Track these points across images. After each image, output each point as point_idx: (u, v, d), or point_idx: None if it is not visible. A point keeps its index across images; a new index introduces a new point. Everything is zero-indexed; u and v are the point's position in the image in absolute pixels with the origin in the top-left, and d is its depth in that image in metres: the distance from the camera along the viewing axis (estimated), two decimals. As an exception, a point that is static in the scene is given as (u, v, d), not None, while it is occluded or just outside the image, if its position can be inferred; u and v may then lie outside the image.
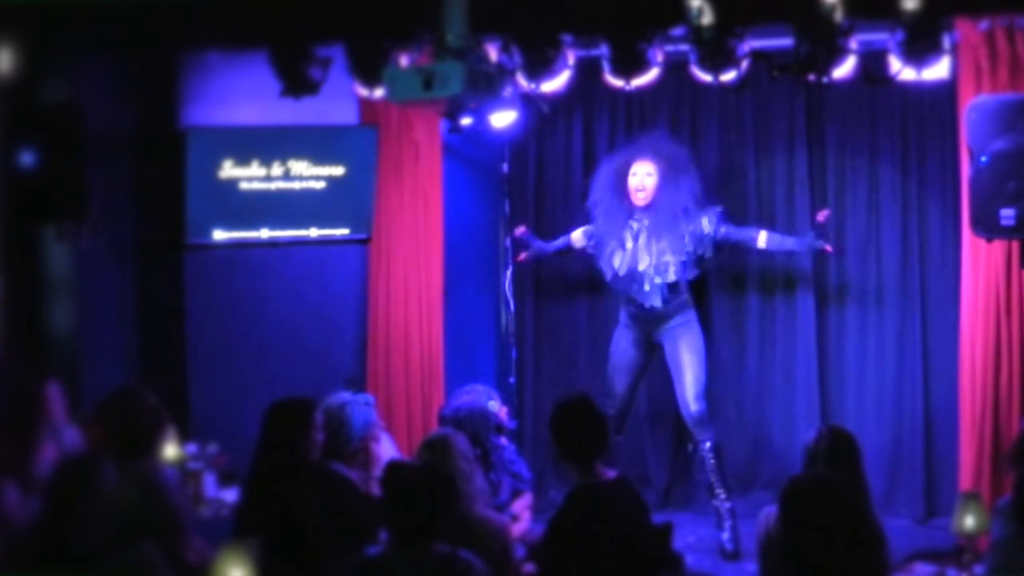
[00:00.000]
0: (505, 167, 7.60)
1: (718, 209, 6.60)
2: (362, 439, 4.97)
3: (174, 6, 5.31)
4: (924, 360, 7.09)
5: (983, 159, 5.70)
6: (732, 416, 7.33)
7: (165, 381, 6.30)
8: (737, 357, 7.40)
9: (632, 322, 6.71)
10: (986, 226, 5.74)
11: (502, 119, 5.90)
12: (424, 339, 6.98)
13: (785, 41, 5.30)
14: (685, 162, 6.67)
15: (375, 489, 4.62)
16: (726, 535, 6.52)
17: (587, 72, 6.23)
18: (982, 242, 6.00)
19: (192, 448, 5.77)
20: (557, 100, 6.38)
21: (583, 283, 7.33)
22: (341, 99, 6.45)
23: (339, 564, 3.86)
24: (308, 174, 6.69)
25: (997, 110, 5.77)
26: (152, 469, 4.36)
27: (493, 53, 5.55)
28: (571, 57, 5.89)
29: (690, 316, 6.65)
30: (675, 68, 5.89)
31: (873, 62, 5.59)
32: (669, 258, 6.51)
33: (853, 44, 5.24)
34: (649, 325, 6.65)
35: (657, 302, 6.53)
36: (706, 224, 6.52)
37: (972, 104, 5.90)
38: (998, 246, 6.08)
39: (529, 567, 4.80)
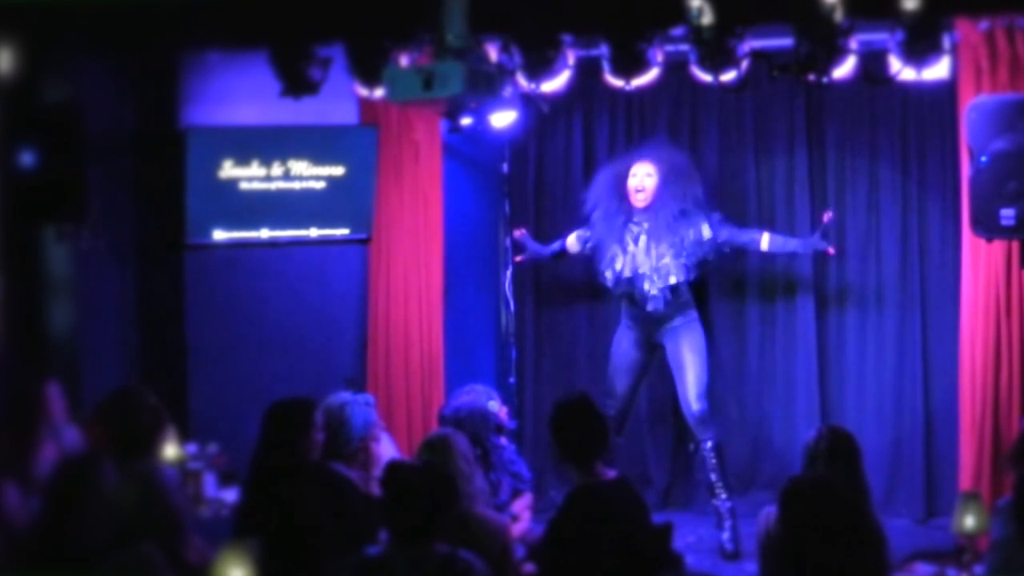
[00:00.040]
0: (505, 167, 7.60)
1: (717, 216, 6.59)
2: (362, 439, 4.97)
3: (174, 6, 5.31)
4: (924, 360, 7.09)
5: (983, 159, 5.70)
6: (732, 416, 7.32)
7: (165, 381, 6.30)
8: (737, 357, 7.40)
9: (633, 323, 6.70)
10: (986, 226, 5.74)
11: (502, 119, 5.90)
12: (424, 339, 6.98)
13: (785, 41, 5.30)
14: (686, 166, 6.67)
15: (375, 489, 4.62)
16: (726, 535, 6.52)
17: (587, 72, 6.23)
18: (982, 242, 6.00)
19: (192, 448, 5.76)
20: (557, 100, 6.38)
21: (583, 283, 7.33)
22: (341, 99, 6.45)
23: (339, 564, 3.86)
24: (308, 174, 6.69)
25: (997, 110, 5.77)
26: (152, 469, 4.35)
27: (493, 53, 5.55)
28: (571, 57, 5.89)
29: (692, 316, 6.65)
30: (675, 68, 5.89)
31: (873, 62, 5.59)
32: (669, 260, 6.50)
33: (853, 44, 5.24)
34: (651, 326, 6.65)
35: (658, 305, 6.53)
36: (706, 229, 6.51)
37: (972, 104, 5.89)
38: (998, 246, 6.08)
39: (529, 567, 4.80)
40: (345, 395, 5.09)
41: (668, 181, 6.54)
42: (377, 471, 4.67)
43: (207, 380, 6.83)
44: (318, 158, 6.68)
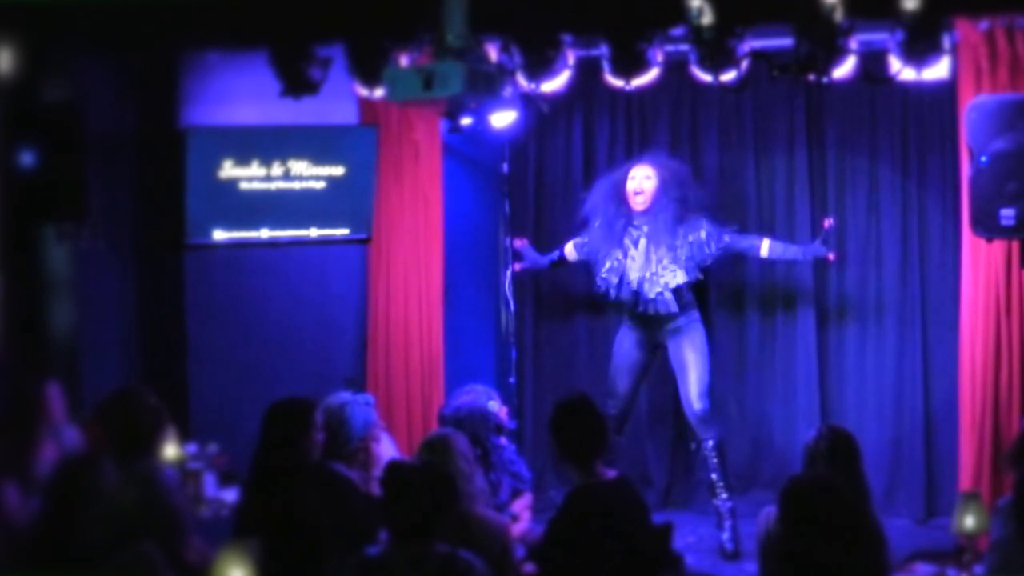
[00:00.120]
0: (505, 167, 7.60)
1: (716, 225, 6.58)
2: (362, 439, 4.97)
3: (174, 6, 5.31)
4: (924, 360, 7.09)
5: (983, 159, 5.70)
6: (733, 415, 7.32)
7: (165, 381, 6.31)
8: (738, 356, 7.40)
9: (635, 325, 6.69)
10: (986, 226, 5.74)
11: (502, 119, 5.90)
12: (424, 339, 6.98)
13: (785, 41, 5.30)
14: (684, 172, 6.67)
15: (375, 489, 4.62)
16: (726, 535, 6.52)
17: (587, 72, 6.22)
18: (982, 242, 6.00)
19: (192, 448, 5.77)
20: (557, 100, 6.38)
21: (583, 283, 7.32)
22: (341, 99, 6.44)
23: (339, 564, 3.86)
24: (308, 174, 6.69)
25: (997, 110, 5.77)
26: (152, 469, 4.37)
27: (493, 53, 5.55)
28: (571, 57, 5.88)
29: (693, 316, 6.64)
30: (675, 68, 5.89)
31: (873, 62, 5.58)
32: (669, 264, 6.49)
33: (853, 44, 5.24)
34: (652, 328, 6.65)
35: (660, 307, 6.52)
36: (704, 232, 6.50)
37: (972, 104, 5.89)
38: (998, 246, 6.08)
39: (529, 567, 4.80)
40: (345, 395, 5.09)
41: (667, 184, 6.53)
42: (377, 471, 4.67)
43: (207, 380, 6.83)
44: (318, 158, 6.68)
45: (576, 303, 7.53)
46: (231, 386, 6.74)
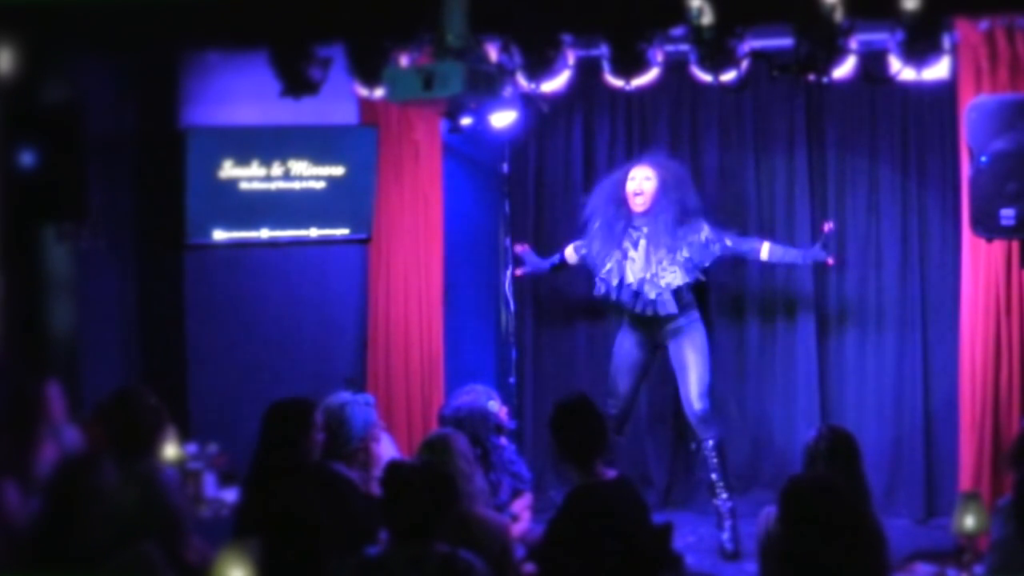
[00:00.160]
0: (505, 167, 7.60)
1: (716, 228, 6.58)
2: (362, 439, 4.97)
3: (174, 6, 5.30)
4: (924, 360, 7.09)
5: (983, 159, 5.70)
6: (733, 415, 7.32)
7: (165, 381, 6.31)
8: (738, 357, 7.40)
9: (636, 325, 6.69)
10: (986, 226, 5.74)
11: (502, 119, 5.90)
12: (424, 339, 6.98)
13: (785, 41, 5.30)
14: (683, 174, 6.67)
15: (375, 489, 4.62)
16: (726, 535, 6.52)
17: (587, 72, 6.22)
18: (982, 242, 6.00)
19: (192, 448, 5.77)
20: (557, 100, 6.37)
21: (583, 284, 7.32)
22: (341, 99, 6.44)
23: (339, 564, 3.86)
24: (308, 174, 6.69)
25: (997, 110, 5.77)
26: (152, 469, 4.36)
27: (493, 53, 5.55)
28: (571, 57, 5.88)
29: (694, 317, 6.64)
30: (675, 68, 5.89)
31: (873, 62, 5.58)
32: (669, 265, 6.48)
33: (853, 44, 5.23)
34: (653, 328, 6.64)
35: (660, 308, 6.51)
36: (704, 234, 6.50)
37: (972, 104, 5.89)
38: (998, 246, 6.08)
39: (529, 567, 4.80)
40: (345, 395, 5.09)
41: (667, 185, 6.53)
42: (377, 471, 4.67)
43: (207, 380, 6.83)
44: (318, 158, 6.69)
45: (576, 303, 7.53)
46: (231, 386, 6.74)
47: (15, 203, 5.50)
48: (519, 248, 7.02)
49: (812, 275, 7.18)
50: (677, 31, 5.51)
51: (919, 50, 5.27)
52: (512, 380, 7.58)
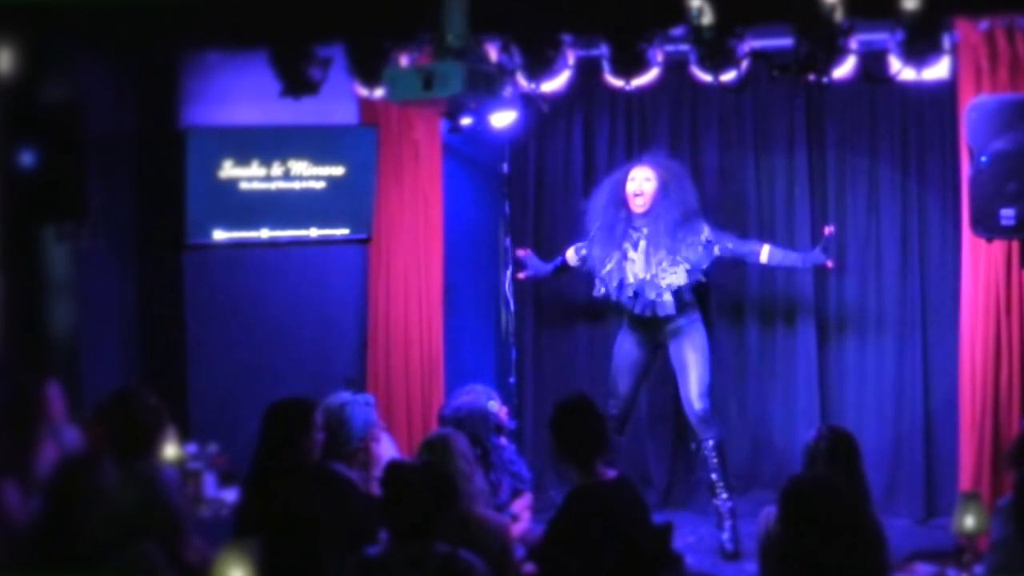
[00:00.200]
0: (505, 167, 7.60)
1: (716, 229, 6.57)
2: (362, 439, 4.97)
3: (174, 6, 5.30)
4: (924, 360, 7.08)
5: (983, 159, 5.70)
6: (733, 416, 7.32)
7: (165, 381, 6.31)
8: (738, 356, 7.40)
9: (636, 326, 6.69)
10: (986, 226, 5.74)
11: (502, 119, 5.89)
12: (424, 339, 6.98)
13: (785, 41, 5.30)
14: (684, 175, 6.66)
15: (375, 489, 4.62)
16: (726, 535, 6.52)
17: (587, 72, 6.22)
18: (982, 242, 6.00)
19: (192, 448, 5.77)
20: (557, 100, 6.37)
21: (584, 284, 7.32)
22: (341, 99, 6.44)
23: (339, 564, 3.86)
24: (308, 174, 6.69)
25: (997, 110, 5.77)
26: (152, 469, 4.36)
27: (493, 53, 5.55)
28: (571, 57, 5.88)
29: (694, 317, 6.63)
30: (675, 68, 5.89)
31: (873, 62, 5.58)
32: (669, 266, 6.48)
33: (853, 44, 5.23)
34: (653, 329, 6.64)
35: (660, 310, 6.50)
36: (705, 236, 6.49)
37: (972, 104, 5.89)
38: (998, 246, 6.08)
39: (529, 567, 4.80)
40: (345, 395, 5.09)
41: (667, 186, 6.52)
42: (377, 471, 4.67)
43: (207, 380, 6.83)
44: (318, 158, 6.69)
45: (576, 304, 7.53)
46: (231, 386, 6.74)
47: (15, 203, 5.50)
48: (521, 253, 7.01)
49: (812, 275, 7.17)
50: (677, 31, 5.51)
51: (919, 50, 5.27)
52: (512, 380, 7.58)
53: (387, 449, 5.27)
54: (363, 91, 6.09)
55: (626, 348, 6.74)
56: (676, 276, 6.47)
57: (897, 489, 7.09)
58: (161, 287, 6.82)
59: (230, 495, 5.58)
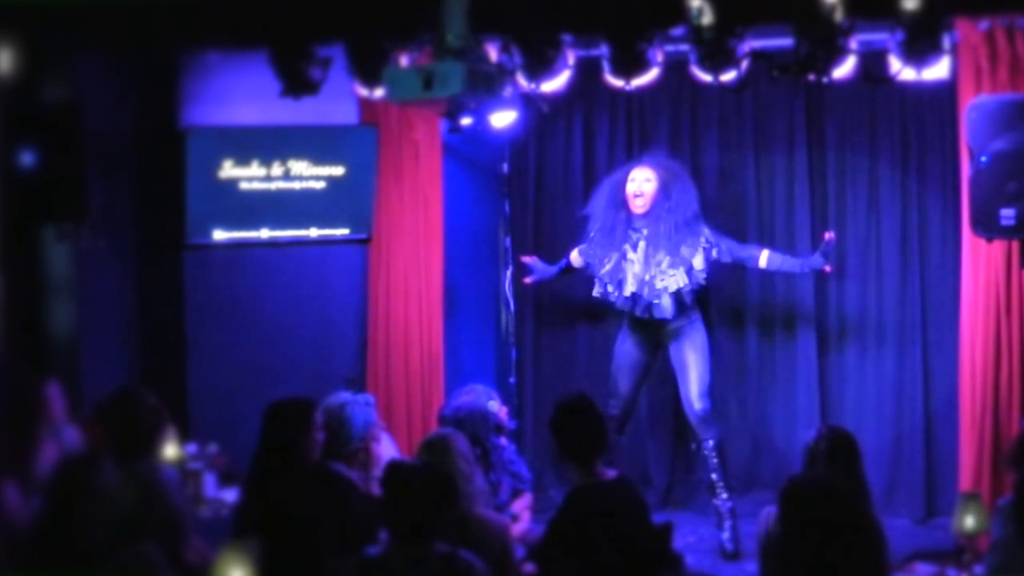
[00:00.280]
0: (505, 167, 7.60)
1: (716, 232, 6.57)
2: (362, 439, 4.97)
3: (174, 6, 5.30)
4: (924, 360, 7.08)
5: (983, 159, 5.70)
6: (733, 416, 7.32)
7: (165, 381, 6.31)
8: (738, 356, 7.40)
9: (636, 327, 6.68)
10: (986, 226, 5.74)
11: (502, 119, 5.89)
12: (424, 339, 6.98)
13: (785, 41, 5.29)
14: (684, 175, 6.66)
15: (375, 489, 4.62)
16: (726, 535, 6.52)
17: (587, 72, 6.22)
18: (982, 242, 6.00)
19: (192, 448, 5.77)
20: (557, 100, 6.37)
21: (584, 284, 7.33)
22: (341, 99, 6.44)
23: (339, 564, 3.86)
24: (308, 174, 6.69)
25: (997, 110, 5.77)
26: (152, 469, 4.36)
27: (493, 53, 5.55)
28: (571, 57, 5.88)
29: (694, 318, 6.62)
30: (675, 68, 5.89)
31: (873, 62, 5.58)
32: (668, 268, 6.47)
33: (853, 44, 5.23)
34: (654, 330, 6.63)
35: (660, 312, 6.50)
36: (704, 239, 6.49)
37: (972, 104, 5.89)
38: (998, 246, 6.08)
39: (529, 567, 4.80)
40: (345, 395, 5.09)
41: (668, 187, 6.51)
42: (377, 471, 4.67)
43: (207, 380, 6.83)
44: (318, 158, 6.69)
45: (576, 304, 7.53)
46: (231, 386, 6.74)
47: (15, 203, 5.50)
48: (527, 259, 6.98)
49: (812, 276, 7.15)
50: (677, 31, 5.51)
51: (919, 50, 5.27)
52: (512, 380, 7.58)
53: (387, 449, 5.27)
54: (363, 91, 6.08)
55: (627, 348, 6.73)
56: (675, 278, 6.46)
57: (897, 489, 7.09)
58: (161, 287, 6.82)
59: (230, 495, 5.58)
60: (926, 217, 7.08)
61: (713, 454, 6.55)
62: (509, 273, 7.53)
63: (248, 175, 6.59)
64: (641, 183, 6.53)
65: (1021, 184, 5.60)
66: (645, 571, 4.42)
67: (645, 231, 6.52)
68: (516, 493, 5.62)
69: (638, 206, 6.53)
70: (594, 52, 6.08)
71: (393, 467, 4.02)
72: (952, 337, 6.64)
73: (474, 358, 7.47)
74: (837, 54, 5.19)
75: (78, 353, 6.13)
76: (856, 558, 3.54)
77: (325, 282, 7.11)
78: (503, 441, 5.63)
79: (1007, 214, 5.63)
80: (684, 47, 5.51)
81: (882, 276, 7.18)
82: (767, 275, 7.15)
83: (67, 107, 5.63)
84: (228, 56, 6.44)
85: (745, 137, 7.33)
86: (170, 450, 5.09)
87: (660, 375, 6.98)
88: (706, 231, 6.52)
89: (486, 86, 5.06)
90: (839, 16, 4.98)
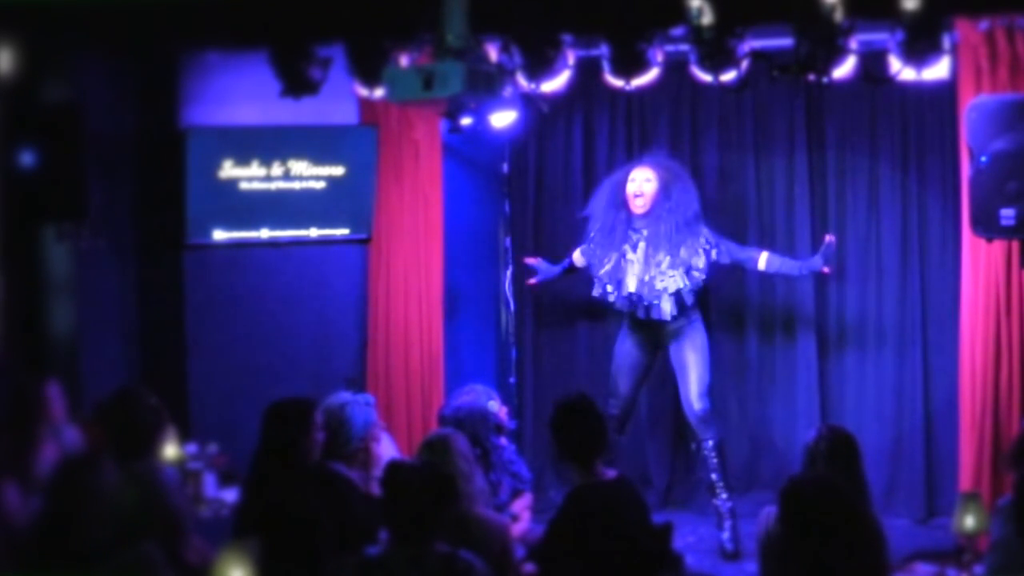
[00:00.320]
0: (505, 167, 7.60)
1: (716, 234, 6.57)
2: (362, 439, 4.97)
3: (174, 6, 5.30)
4: (924, 360, 7.08)
5: (983, 159, 5.70)
6: (733, 416, 7.32)
7: (165, 381, 6.31)
8: (738, 357, 7.40)
9: (636, 328, 6.68)
10: (986, 226, 5.74)
11: (502, 119, 5.89)
12: (424, 339, 6.98)
13: (785, 41, 5.30)
14: (685, 176, 6.65)
15: (375, 489, 4.62)
16: (726, 535, 6.52)
17: (587, 72, 6.22)
18: (982, 242, 6.00)
19: (192, 448, 5.77)
20: (557, 100, 6.37)
21: (584, 284, 7.32)
22: (341, 99, 6.44)
23: (339, 564, 3.86)
24: (308, 174, 6.69)
25: (997, 110, 5.77)
26: (152, 469, 4.37)
27: (493, 53, 5.55)
28: (571, 57, 5.88)
29: (694, 318, 6.62)
30: (675, 68, 5.89)
31: (873, 62, 5.58)
32: (668, 268, 6.46)
33: (853, 44, 5.23)
34: (653, 331, 6.63)
35: (660, 313, 6.49)
36: (704, 240, 6.48)
37: (972, 104, 5.89)
38: (998, 246, 6.08)
39: (529, 567, 4.80)
40: (345, 395, 5.08)
41: (668, 187, 6.51)
42: (377, 471, 4.67)
43: (207, 380, 6.83)
44: (318, 158, 6.69)
45: (576, 304, 7.52)
46: (231, 386, 6.74)
47: (15, 203, 5.50)
48: (530, 260, 6.97)
49: (812, 277, 7.15)
50: (677, 31, 5.51)
51: (919, 50, 5.27)
52: (512, 380, 7.58)
53: (387, 449, 5.27)
54: (363, 91, 6.09)
55: (626, 348, 6.73)
56: (675, 278, 6.45)
57: (897, 489, 7.09)
58: (161, 287, 6.82)
59: (230, 495, 5.58)
60: (926, 217, 7.08)
61: (713, 454, 6.55)
62: (509, 273, 7.53)
63: (248, 175, 6.59)
64: (641, 183, 6.52)
65: (1021, 184, 5.60)
66: (645, 571, 4.42)
67: (645, 231, 6.52)
68: (516, 493, 5.62)
69: (638, 206, 6.52)
70: (594, 52, 6.08)
71: (393, 467, 4.02)
72: (952, 337, 6.64)
73: (474, 358, 7.47)
74: (837, 54, 5.19)
75: (78, 353, 6.13)
76: (856, 558, 3.54)
77: (325, 282, 7.11)
78: (503, 441, 5.63)
79: (1007, 214, 5.63)
80: (684, 47, 5.51)
81: (882, 276, 7.18)
82: (768, 275, 7.16)
83: (67, 107, 5.63)
84: (228, 56, 6.44)
85: (745, 137, 7.33)
86: (170, 450, 5.09)
87: (660, 375, 6.98)
88: (706, 232, 6.52)
89: (486, 86, 5.07)
90: (839, 16, 4.99)
